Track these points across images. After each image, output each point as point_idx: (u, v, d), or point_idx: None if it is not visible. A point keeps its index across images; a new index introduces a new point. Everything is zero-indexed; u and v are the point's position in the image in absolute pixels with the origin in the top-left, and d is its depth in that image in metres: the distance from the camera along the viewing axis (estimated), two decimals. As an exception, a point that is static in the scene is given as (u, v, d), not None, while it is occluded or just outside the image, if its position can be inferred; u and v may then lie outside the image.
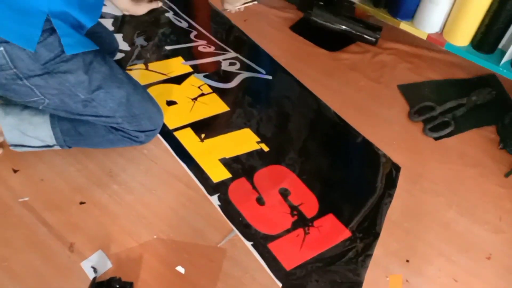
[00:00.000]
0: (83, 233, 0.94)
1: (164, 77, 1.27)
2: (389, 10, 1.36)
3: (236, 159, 1.09)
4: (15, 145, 1.01)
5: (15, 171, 1.03)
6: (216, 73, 1.30)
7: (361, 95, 1.27)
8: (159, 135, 1.10)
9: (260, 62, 1.35)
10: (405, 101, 1.26)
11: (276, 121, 1.18)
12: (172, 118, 1.16)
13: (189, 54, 1.34)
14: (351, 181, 1.07)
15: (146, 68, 1.29)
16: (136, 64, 1.30)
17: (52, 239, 0.92)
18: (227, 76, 1.29)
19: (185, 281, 0.88)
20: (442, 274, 0.93)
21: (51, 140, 1.01)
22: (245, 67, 1.33)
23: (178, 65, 1.31)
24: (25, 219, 0.95)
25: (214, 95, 1.23)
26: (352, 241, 0.95)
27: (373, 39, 1.41)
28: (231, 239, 0.95)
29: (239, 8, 1.25)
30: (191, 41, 1.39)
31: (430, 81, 1.33)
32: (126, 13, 1.45)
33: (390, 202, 1.03)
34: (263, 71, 1.32)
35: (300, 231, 0.97)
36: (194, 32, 1.42)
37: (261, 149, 1.11)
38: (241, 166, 1.07)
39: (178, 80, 1.26)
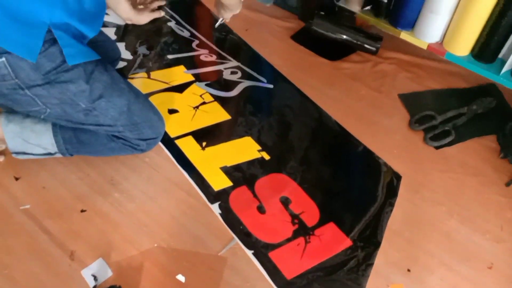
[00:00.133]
0: (84, 241, 0.94)
1: (166, 86, 1.27)
2: (389, 20, 1.37)
3: (237, 167, 1.09)
4: (17, 153, 1.01)
5: (16, 178, 1.04)
6: (217, 82, 1.30)
7: (362, 104, 1.28)
8: (160, 143, 1.11)
9: (261, 71, 1.35)
10: (406, 110, 1.27)
11: (277, 129, 1.19)
12: (173, 126, 1.16)
13: (191, 63, 1.35)
14: (352, 190, 1.08)
15: (148, 77, 1.30)
16: (138, 72, 1.30)
17: (53, 247, 0.92)
18: (229, 85, 1.30)
19: (185, 290, 0.88)
20: (444, 283, 0.92)
21: (53, 148, 1.01)
22: (246, 76, 1.33)
23: (180, 74, 1.32)
24: (26, 227, 0.95)
25: (216, 104, 1.24)
26: (353, 250, 0.95)
27: (374, 49, 1.41)
28: (232, 248, 0.95)
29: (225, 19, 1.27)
30: (193, 50, 1.40)
31: (430, 90, 1.33)
32: (129, 22, 1.45)
33: (391, 211, 1.03)
34: (264, 80, 1.33)
35: (301, 239, 0.96)
36: (196, 41, 1.43)
37: (262, 158, 1.11)
38: (242, 174, 1.08)
39: (180, 88, 1.27)
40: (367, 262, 0.93)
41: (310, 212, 1.01)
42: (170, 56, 1.37)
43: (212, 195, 1.03)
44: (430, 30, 1.28)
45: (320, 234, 0.98)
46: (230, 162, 1.10)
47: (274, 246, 0.95)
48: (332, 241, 0.96)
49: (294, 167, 1.10)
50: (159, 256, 0.93)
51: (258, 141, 1.15)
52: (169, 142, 1.13)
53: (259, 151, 1.13)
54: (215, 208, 1.01)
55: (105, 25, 1.43)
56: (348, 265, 0.93)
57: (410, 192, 1.07)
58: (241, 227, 0.98)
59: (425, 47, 1.32)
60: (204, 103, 1.24)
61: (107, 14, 1.42)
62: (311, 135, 1.18)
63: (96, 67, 0.91)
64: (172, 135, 1.14)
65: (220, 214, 1.00)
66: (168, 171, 1.08)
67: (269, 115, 1.23)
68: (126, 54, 1.35)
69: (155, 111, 1.04)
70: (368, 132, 1.20)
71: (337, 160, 1.14)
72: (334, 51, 1.43)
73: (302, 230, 0.98)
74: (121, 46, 1.37)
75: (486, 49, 1.22)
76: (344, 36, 1.43)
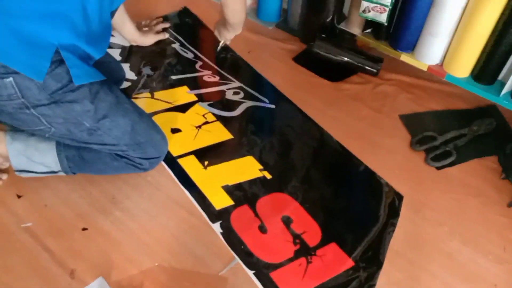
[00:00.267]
0: (84, 259, 0.94)
1: (169, 106, 1.29)
2: (390, 42, 1.39)
3: (239, 186, 1.09)
4: (21, 171, 1.02)
5: (19, 196, 1.04)
6: (220, 102, 1.32)
7: (363, 124, 1.29)
8: (163, 162, 1.12)
9: (263, 92, 1.37)
10: (407, 131, 1.27)
11: (279, 149, 1.20)
12: (176, 146, 1.17)
13: (194, 84, 1.37)
14: (354, 210, 1.07)
15: (152, 97, 1.31)
16: (142, 92, 1.32)
17: (54, 265, 0.92)
18: (231, 105, 1.31)
19: (185, 310, 0.87)
20: (447, 305, 0.91)
21: (56, 166, 1.02)
22: (248, 97, 1.35)
23: (183, 94, 1.33)
24: (27, 245, 0.95)
25: (218, 123, 1.25)
26: (355, 270, 0.95)
27: (375, 70, 1.43)
28: (233, 268, 0.94)
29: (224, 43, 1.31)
30: (197, 71, 1.42)
31: (431, 111, 1.34)
32: (134, 43, 1.49)
33: (393, 231, 1.02)
34: (267, 101, 1.34)
35: (302, 260, 0.96)
36: (200, 63, 1.46)
37: (264, 177, 1.12)
38: (243, 193, 1.08)
39: (183, 108, 1.29)
40: (369, 283, 0.93)
41: (311, 232, 1.01)
42: (173, 77, 1.39)
43: (214, 214, 1.03)
44: (430, 52, 1.30)
45: (322, 254, 0.97)
46: (232, 181, 1.10)
47: (275, 266, 0.95)
48: (334, 262, 0.96)
49: (296, 187, 1.10)
50: (160, 275, 0.92)
51: (260, 160, 1.16)
52: (171, 161, 1.13)
53: (260, 170, 1.13)
54: (216, 227, 1.01)
55: (110, 46, 1.45)
56: (350, 286, 0.92)
57: (412, 213, 1.07)
58: (242, 247, 0.97)
59: (425, 69, 1.34)
60: (206, 122, 1.25)
61: (112, 35, 1.44)
62: (312, 155, 1.19)
63: (101, 88, 0.93)
64: (174, 154, 1.15)
65: (221, 233, 1.00)
66: (170, 189, 1.08)
67: (271, 135, 1.24)
68: (130, 75, 1.37)
69: (159, 131, 1.05)
70: (370, 152, 1.20)
71: (339, 180, 1.14)
72: (336, 73, 1.45)
73: (304, 250, 0.97)
74: (125, 67, 1.39)
75: (485, 71, 1.23)
76: (345, 58, 1.45)
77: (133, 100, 1.28)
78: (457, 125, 1.27)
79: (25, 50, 0.79)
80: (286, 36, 1.60)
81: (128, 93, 1.31)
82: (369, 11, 1.30)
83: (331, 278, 0.93)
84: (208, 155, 1.16)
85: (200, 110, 1.28)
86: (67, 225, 0.99)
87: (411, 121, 1.30)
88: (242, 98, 1.34)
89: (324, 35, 1.48)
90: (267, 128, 1.26)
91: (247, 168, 1.14)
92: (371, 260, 0.96)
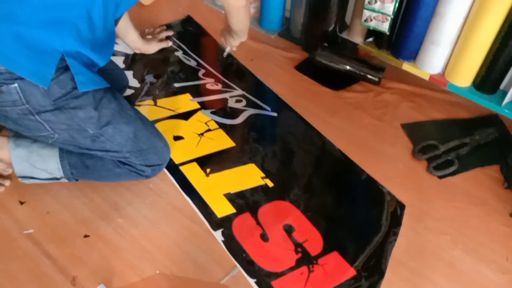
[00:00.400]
0: (86, 266, 0.94)
1: (172, 113, 1.29)
2: (391, 51, 1.40)
3: (241, 194, 1.09)
4: (24, 177, 1.03)
5: (21, 203, 1.04)
6: (222, 110, 1.32)
7: (365, 133, 1.29)
8: (165, 169, 1.12)
9: (265, 100, 1.38)
10: (409, 140, 1.28)
11: (281, 157, 1.20)
12: (178, 153, 1.17)
13: (196, 91, 1.38)
14: (356, 219, 1.07)
15: (155, 104, 1.32)
16: (145, 100, 1.33)
17: (55, 272, 0.92)
18: (233, 113, 1.32)
19: (187, 318, 0.87)
20: (449, 315, 0.91)
21: (59, 173, 1.02)
22: (251, 104, 1.35)
23: (186, 102, 1.34)
24: (29, 251, 0.95)
25: (220, 131, 1.25)
26: (357, 280, 0.94)
27: (376, 79, 1.44)
28: (234, 276, 0.94)
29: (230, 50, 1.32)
30: (199, 79, 1.43)
31: (433, 120, 1.35)
32: (137, 51, 1.50)
33: (395, 240, 1.02)
34: (269, 108, 1.35)
35: (304, 269, 0.96)
36: (202, 71, 1.46)
37: (266, 185, 1.12)
38: (245, 201, 1.08)
39: (186, 116, 1.29)
40: (371, 292, 0.92)
41: (313, 241, 1.01)
42: (176, 85, 1.40)
43: (215, 222, 1.03)
44: (431, 61, 1.31)
45: (323, 263, 0.97)
46: (234, 189, 1.10)
47: (277, 275, 0.94)
48: (335, 271, 0.96)
49: (298, 195, 1.10)
50: (161, 283, 0.92)
51: (262, 168, 1.16)
52: (173, 168, 1.14)
53: (262, 178, 1.13)
54: (218, 235, 1.01)
55: (114, 54, 1.46)
56: (351, 295, 0.92)
57: (414, 221, 1.07)
58: (243, 255, 0.97)
59: (427, 78, 1.34)
60: (209, 130, 1.25)
61: (116, 43, 1.46)
62: (314, 163, 1.19)
63: (105, 95, 0.93)
64: (177, 161, 1.16)
65: (223, 241, 1.00)
66: (172, 197, 1.08)
67: (273, 143, 1.24)
68: (133, 82, 1.38)
69: (161, 138, 1.06)
70: (371, 160, 1.21)
71: (341, 188, 1.14)
72: (337, 81, 1.46)
73: (306, 259, 0.97)
74: (129, 74, 1.40)
75: (487, 80, 1.24)
76: (347, 67, 1.46)
77: (136, 107, 1.29)
78: (459, 134, 1.28)
79: (31, 57, 0.80)
80: (288, 45, 1.61)
81: (131, 100, 1.32)
82: (371, 20, 1.31)
83: (333, 287, 0.93)
84: (210, 162, 1.16)
85: (203, 118, 1.29)
86: (69, 232, 0.99)
87: (413, 130, 1.31)
88: (244, 106, 1.34)
89: (326, 44, 1.49)
90: (269, 136, 1.27)
91: (249, 176, 1.14)
92: (373, 269, 0.96)
